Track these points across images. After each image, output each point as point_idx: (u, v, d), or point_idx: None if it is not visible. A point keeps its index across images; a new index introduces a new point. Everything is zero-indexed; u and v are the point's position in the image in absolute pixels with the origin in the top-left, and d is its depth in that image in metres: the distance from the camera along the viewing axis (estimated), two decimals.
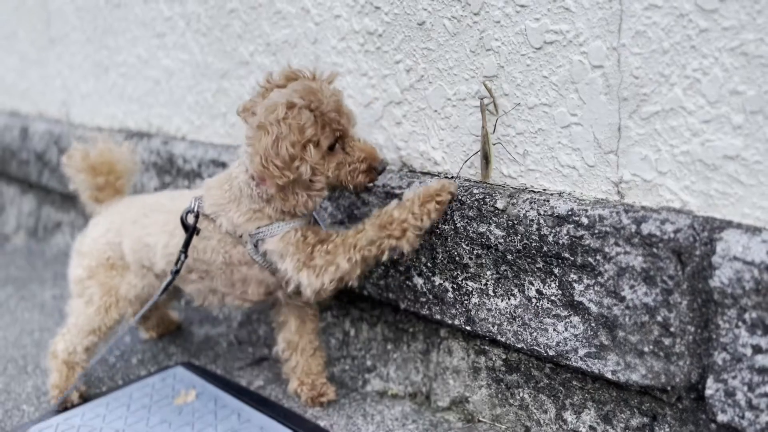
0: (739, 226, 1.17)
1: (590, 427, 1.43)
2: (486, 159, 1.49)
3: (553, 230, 1.35)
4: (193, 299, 1.75)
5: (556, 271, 1.36)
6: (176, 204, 1.65)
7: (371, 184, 1.53)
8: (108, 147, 1.92)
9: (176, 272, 1.59)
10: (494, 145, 1.50)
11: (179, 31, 2.32)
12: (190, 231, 1.57)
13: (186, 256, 1.59)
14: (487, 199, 1.47)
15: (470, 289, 1.53)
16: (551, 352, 1.41)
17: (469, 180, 1.59)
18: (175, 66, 2.39)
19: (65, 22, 2.97)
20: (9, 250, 3.49)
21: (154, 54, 2.47)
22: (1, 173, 3.90)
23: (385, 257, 1.45)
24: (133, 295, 1.77)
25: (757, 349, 1.12)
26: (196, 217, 1.57)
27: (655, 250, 1.22)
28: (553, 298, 1.38)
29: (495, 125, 1.48)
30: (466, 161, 1.58)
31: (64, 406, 1.80)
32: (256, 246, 1.55)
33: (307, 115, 1.39)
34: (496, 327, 1.50)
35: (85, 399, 1.86)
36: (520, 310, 1.45)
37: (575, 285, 1.34)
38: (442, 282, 1.59)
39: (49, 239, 3.52)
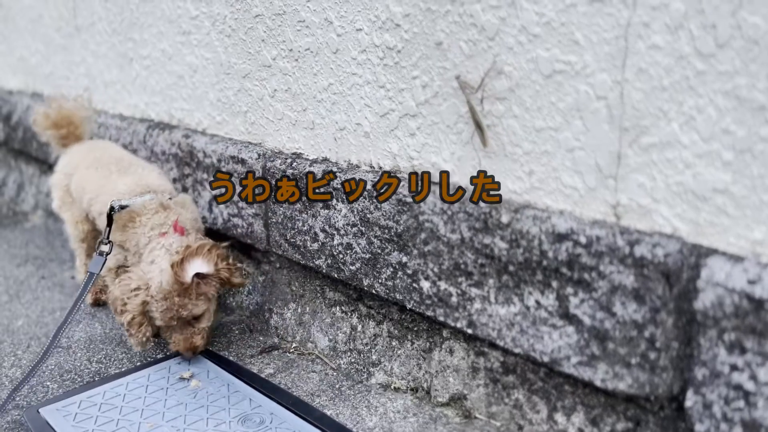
0: (723, 254, 1.27)
1: (579, 429, 1.54)
2: (479, 127, 1.61)
3: (553, 246, 1.45)
4: None
5: (554, 284, 1.47)
6: (121, 177, 2.26)
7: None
8: (62, 104, 2.56)
9: (107, 254, 2.11)
10: (480, 111, 1.61)
11: (204, 31, 2.41)
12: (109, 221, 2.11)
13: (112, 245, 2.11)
14: (493, 213, 1.57)
15: (473, 295, 1.64)
16: (546, 359, 1.52)
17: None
18: (198, 63, 2.48)
19: (92, 12, 3.06)
20: (28, 228, 3.60)
21: (179, 50, 2.56)
22: (21, 152, 4.01)
23: None
24: (82, 217, 2.42)
25: (734, 368, 1.23)
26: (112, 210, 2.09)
27: (645, 271, 1.32)
28: (550, 308, 1.49)
29: (480, 99, 1.61)
30: None
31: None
32: None
33: None
34: (495, 332, 1.61)
35: (104, 379, 1.99)
36: (519, 317, 1.56)
37: (571, 298, 1.44)
38: (447, 287, 1.69)
39: None
